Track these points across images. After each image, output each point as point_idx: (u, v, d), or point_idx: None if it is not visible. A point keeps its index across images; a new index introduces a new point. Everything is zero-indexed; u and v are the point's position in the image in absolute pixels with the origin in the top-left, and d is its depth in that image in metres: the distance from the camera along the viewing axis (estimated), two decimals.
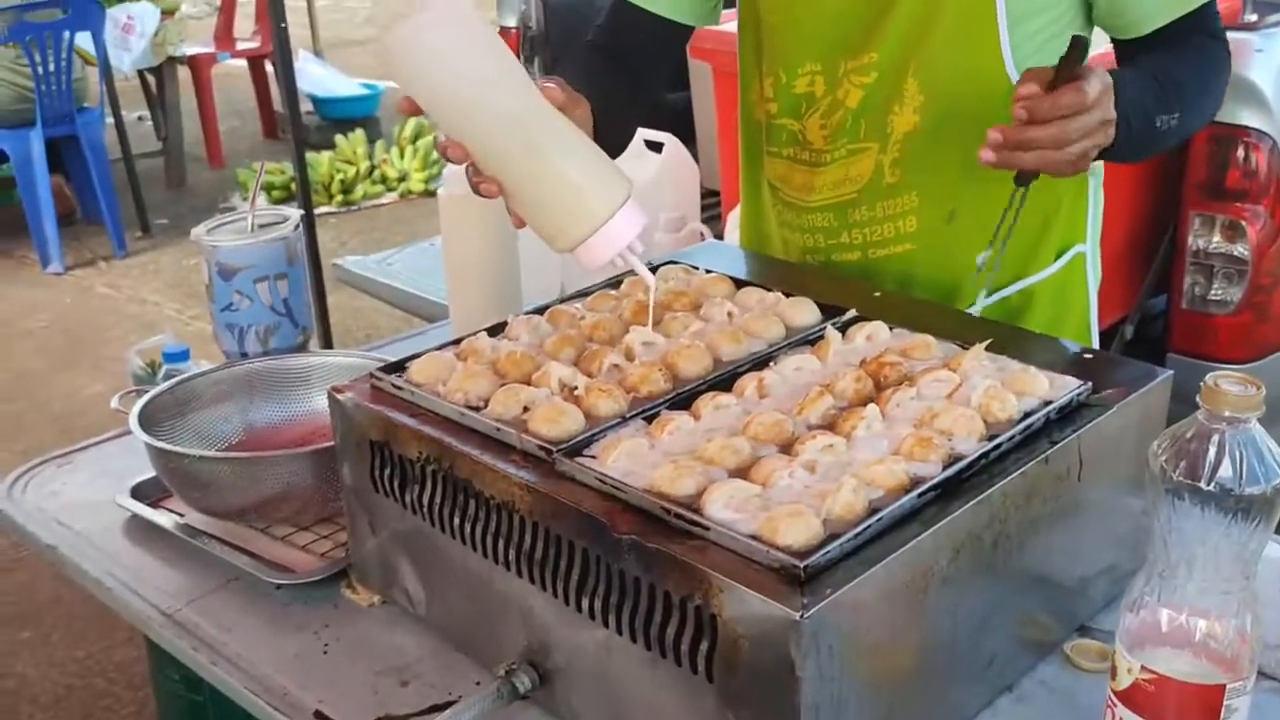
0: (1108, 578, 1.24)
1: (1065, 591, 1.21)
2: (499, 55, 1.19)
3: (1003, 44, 1.42)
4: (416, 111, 1.21)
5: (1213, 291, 2.91)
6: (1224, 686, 0.94)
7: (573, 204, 1.20)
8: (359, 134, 7.08)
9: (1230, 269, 2.88)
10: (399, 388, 1.25)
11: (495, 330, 1.37)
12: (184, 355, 2.03)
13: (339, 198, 6.70)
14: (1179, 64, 1.40)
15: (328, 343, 4.10)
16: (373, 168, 6.91)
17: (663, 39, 1.65)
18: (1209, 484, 0.90)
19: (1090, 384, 1.18)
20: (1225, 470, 0.90)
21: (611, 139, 1.58)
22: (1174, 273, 3.00)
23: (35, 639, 3.30)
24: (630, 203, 1.21)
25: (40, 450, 1.72)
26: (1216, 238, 2.89)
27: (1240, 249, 2.85)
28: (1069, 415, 1.16)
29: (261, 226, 1.79)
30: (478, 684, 1.19)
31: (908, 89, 1.47)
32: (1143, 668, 0.96)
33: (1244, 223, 2.85)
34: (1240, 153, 2.82)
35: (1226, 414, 0.91)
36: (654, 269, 1.51)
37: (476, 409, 1.19)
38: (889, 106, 1.49)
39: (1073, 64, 1.25)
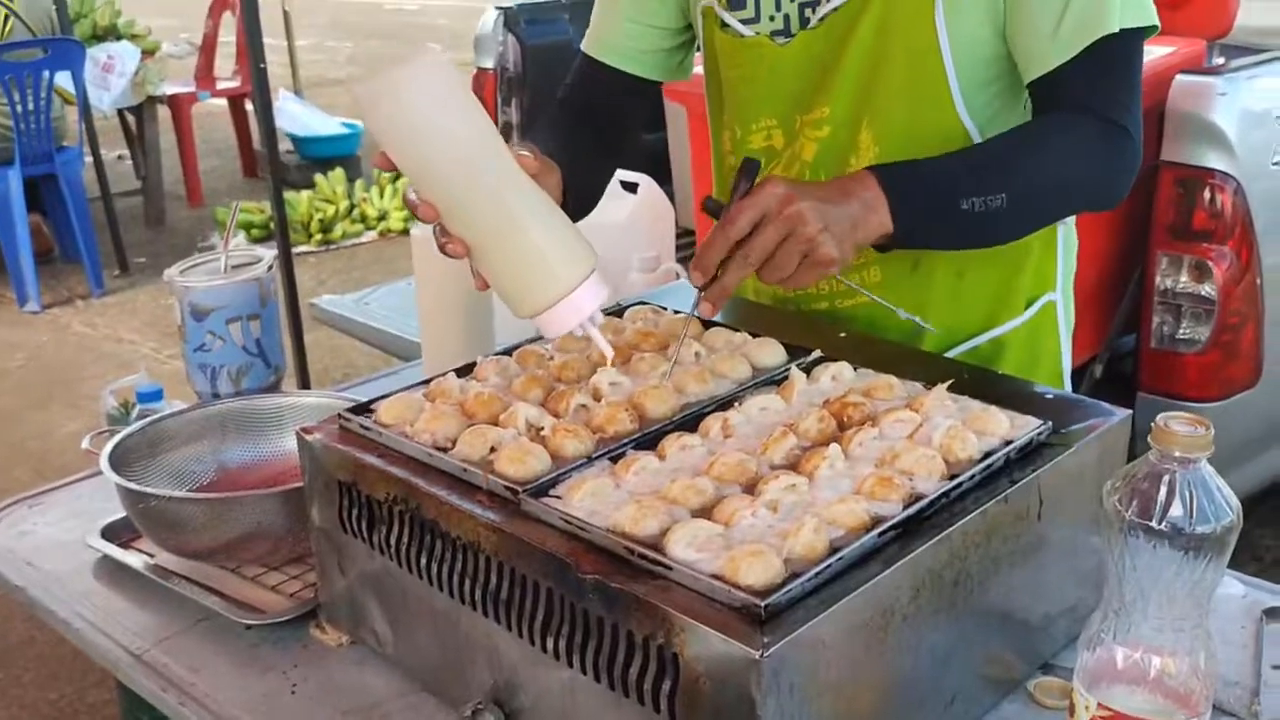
0: (1071, 616, 1.25)
1: (1028, 629, 1.22)
2: (474, 117, 1.17)
3: (954, 97, 1.43)
4: (392, 168, 1.20)
5: (1181, 331, 2.95)
6: None
7: (539, 272, 1.19)
8: (339, 173, 7.12)
9: (1198, 308, 2.91)
10: (367, 428, 1.26)
11: (464, 371, 1.38)
12: (157, 395, 2.03)
13: (318, 236, 6.71)
14: (1018, 142, 1.38)
15: (305, 381, 4.09)
16: (352, 206, 6.93)
17: (632, 93, 1.67)
18: (1160, 523, 0.92)
19: (1050, 423, 1.20)
20: (1176, 510, 0.92)
21: (586, 193, 1.60)
22: (1143, 312, 3.03)
23: (7, 680, 3.28)
24: (595, 275, 1.21)
25: (14, 490, 1.73)
26: (1184, 278, 2.93)
27: (1207, 289, 2.89)
28: (1029, 454, 1.17)
29: (235, 267, 1.80)
30: None
31: (862, 141, 1.48)
32: (1100, 705, 0.97)
33: (1210, 263, 2.89)
34: (1206, 194, 2.86)
35: (1177, 454, 0.93)
36: (623, 310, 1.53)
37: (444, 450, 1.20)
38: (845, 158, 1.50)
39: (738, 187, 1.28)
